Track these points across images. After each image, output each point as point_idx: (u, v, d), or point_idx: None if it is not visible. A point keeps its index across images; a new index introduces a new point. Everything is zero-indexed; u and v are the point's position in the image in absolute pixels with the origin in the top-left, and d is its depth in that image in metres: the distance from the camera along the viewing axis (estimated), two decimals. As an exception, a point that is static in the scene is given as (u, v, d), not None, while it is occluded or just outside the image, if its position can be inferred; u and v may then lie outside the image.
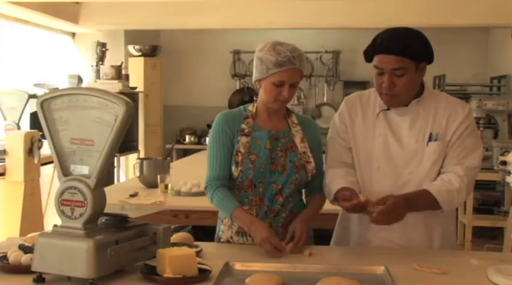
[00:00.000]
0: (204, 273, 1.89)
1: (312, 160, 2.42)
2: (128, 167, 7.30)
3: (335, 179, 2.35)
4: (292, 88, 2.34)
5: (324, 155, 2.50)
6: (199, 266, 1.91)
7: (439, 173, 2.33)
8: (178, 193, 3.53)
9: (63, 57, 7.47)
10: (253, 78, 2.41)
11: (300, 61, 2.33)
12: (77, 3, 6.91)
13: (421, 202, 2.26)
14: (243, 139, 2.38)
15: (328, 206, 2.48)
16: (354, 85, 8.32)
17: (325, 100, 8.64)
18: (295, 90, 2.39)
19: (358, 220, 2.39)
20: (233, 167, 2.36)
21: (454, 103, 2.36)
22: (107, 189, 1.87)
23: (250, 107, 2.45)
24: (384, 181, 2.34)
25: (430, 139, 2.31)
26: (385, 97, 2.30)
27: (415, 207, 2.25)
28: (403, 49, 2.21)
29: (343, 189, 2.26)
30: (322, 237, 2.61)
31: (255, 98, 2.49)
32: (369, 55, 2.30)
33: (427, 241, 2.36)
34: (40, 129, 1.93)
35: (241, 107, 2.48)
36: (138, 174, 3.84)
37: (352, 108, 2.43)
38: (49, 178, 4.87)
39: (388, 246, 2.33)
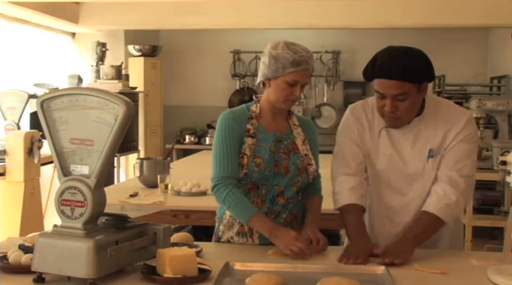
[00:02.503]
0: (204, 273, 1.89)
1: (313, 162, 2.40)
2: (128, 167, 7.29)
3: (345, 191, 2.33)
4: (301, 88, 2.33)
5: (321, 156, 2.49)
6: (199, 266, 1.91)
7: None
8: (178, 193, 3.53)
9: (63, 57, 7.47)
10: (262, 77, 2.34)
11: (312, 62, 2.34)
12: (77, 3, 6.91)
13: (426, 230, 2.23)
14: (249, 141, 2.33)
15: (328, 206, 2.48)
16: (354, 85, 8.33)
17: (325, 100, 8.62)
18: (303, 90, 2.37)
19: (368, 225, 2.38)
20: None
21: (455, 114, 2.30)
22: (107, 189, 1.87)
23: (254, 107, 2.40)
24: (391, 197, 2.34)
25: (429, 156, 2.28)
26: (388, 119, 2.26)
27: (423, 237, 2.22)
28: (404, 74, 2.13)
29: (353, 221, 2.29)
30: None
31: (258, 97, 2.44)
32: (368, 76, 2.23)
33: (434, 245, 2.34)
34: (40, 129, 1.93)
35: (244, 106, 2.43)
36: (138, 174, 3.84)
37: (360, 121, 2.37)
38: (49, 178, 4.88)
39: None
